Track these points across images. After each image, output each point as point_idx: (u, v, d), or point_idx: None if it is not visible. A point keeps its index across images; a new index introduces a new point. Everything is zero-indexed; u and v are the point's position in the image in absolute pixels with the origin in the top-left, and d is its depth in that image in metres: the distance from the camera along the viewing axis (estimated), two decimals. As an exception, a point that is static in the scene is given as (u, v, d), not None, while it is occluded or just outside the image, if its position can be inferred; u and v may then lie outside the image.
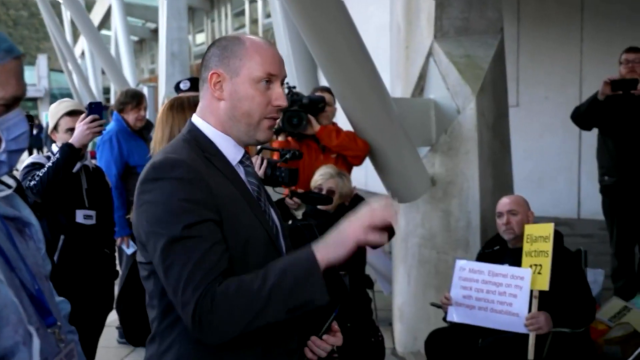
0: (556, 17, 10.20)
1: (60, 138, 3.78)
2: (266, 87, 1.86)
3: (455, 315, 3.91)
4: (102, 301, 3.91)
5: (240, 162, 1.93)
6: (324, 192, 4.28)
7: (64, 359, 1.42)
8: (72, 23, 27.63)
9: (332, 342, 1.96)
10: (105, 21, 31.44)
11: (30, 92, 40.13)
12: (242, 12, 22.03)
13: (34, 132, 25.79)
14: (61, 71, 38.07)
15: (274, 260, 1.73)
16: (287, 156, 3.65)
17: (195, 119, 1.93)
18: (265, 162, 3.43)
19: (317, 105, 4.71)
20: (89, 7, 35.19)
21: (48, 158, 3.71)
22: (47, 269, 1.58)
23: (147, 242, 1.75)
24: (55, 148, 3.79)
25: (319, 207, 4.29)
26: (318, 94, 4.88)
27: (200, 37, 27.23)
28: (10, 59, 1.38)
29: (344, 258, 1.71)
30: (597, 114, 5.33)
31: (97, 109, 3.62)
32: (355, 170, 5.03)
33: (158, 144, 2.61)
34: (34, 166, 3.65)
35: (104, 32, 34.04)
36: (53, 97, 40.41)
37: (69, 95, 35.97)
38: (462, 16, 4.96)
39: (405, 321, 5.22)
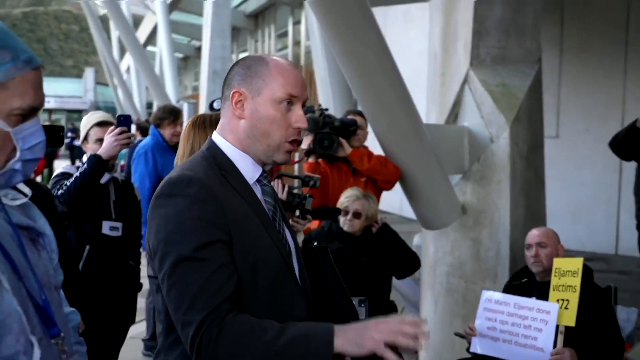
0: (599, 49, 10.09)
1: (90, 148, 3.83)
2: (287, 108, 1.87)
3: (478, 347, 3.85)
4: (125, 313, 3.93)
5: (258, 180, 1.93)
6: (349, 214, 4.27)
7: None
8: (120, 39, 28.18)
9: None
10: (152, 37, 31.98)
11: (76, 104, 40.93)
12: (285, 34, 22.22)
13: (77, 143, 26.22)
14: (107, 85, 38.79)
15: (294, 323, 1.72)
16: (311, 183, 3.66)
17: (215, 136, 1.94)
18: (286, 187, 3.45)
19: (349, 128, 4.71)
20: (137, 23, 35.89)
21: (78, 169, 3.76)
22: (58, 280, 1.59)
23: (154, 256, 1.77)
24: (85, 158, 3.85)
25: (345, 229, 4.28)
26: (350, 117, 4.88)
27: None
28: (29, 69, 1.40)
29: (356, 356, 1.69)
30: (634, 142, 5.23)
31: (125, 122, 3.66)
32: (390, 195, 5.01)
33: (180, 160, 2.64)
34: (63, 176, 3.70)
35: (150, 48, 34.65)
36: (98, 110, 41.18)
37: (114, 109, 36.64)
38: (499, 45, 4.93)
39: (431, 349, 5.15)
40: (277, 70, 1.87)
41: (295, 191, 3.93)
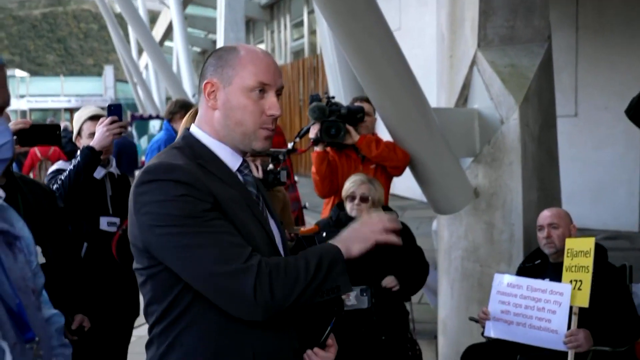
0: (616, 26, 9.94)
1: (83, 143, 3.76)
2: (260, 96, 1.86)
3: (492, 331, 3.82)
4: (127, 308, 3.90)
5: (239, 170, 1.92)
6: (357, 199, 4.23)
7: None
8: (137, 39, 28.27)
9: (322, 357, 1.92)
10: (169, 33, 32.05)
11: (97, 102, 41.14)
12: (301, 23, 22.17)
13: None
14: (127, 82, 39.01)
15: (306, 250, 1.82)
16: (280, 157, 3.71)
17: (193, 128, 1.93)
18: (259, 166, 3.52)
19: (356, 115, 4.67)
20: (154, 18, 35.99)
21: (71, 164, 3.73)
22: (37, 283, 1.58)
23: (157, 240, 1.74)
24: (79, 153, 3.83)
25: (353, 215, 4.24)
26: (357, 104, 4.84)
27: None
28: None
29: (362, 253, 1.84)
30: None
31: (116, 111, 3.59)
32: (411, 181, 4.96)
33: None
34: (58, 172, 3.65)
35: (168, 43, 34.74)
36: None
37: (134, 106, 36.82)
38: (507, 25, 4.85)
39: (448, 335, 5.13)
40: (247, 58, 1.86)
41: (270, 167, 4.00)
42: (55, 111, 38.96)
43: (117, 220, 3.77)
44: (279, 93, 1.91)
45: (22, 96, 40.66)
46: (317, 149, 4.62)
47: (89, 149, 3.49)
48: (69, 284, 3.02)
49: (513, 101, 4.63)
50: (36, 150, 11.97)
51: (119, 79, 44.31)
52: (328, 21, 4.22)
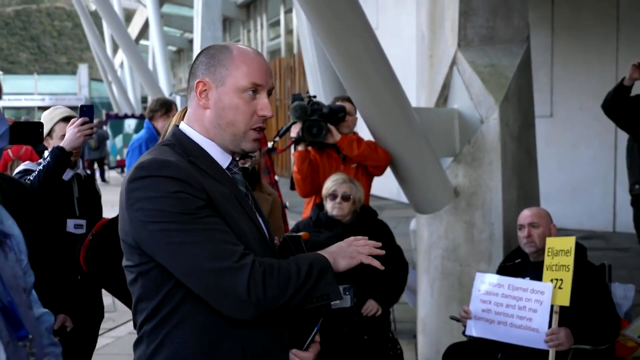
0: (591, 27, 10.04)
1: (53, 144, 3.68)
2: (252, 97, 1.86)
3: (474, 330, 3.84)
4: (92, 311, 3.81)
5: (228, 169, 1.92)
6: (338, 197, 4.23)
7: None
8: (112, 35, 28.07)
9: (302, 357, 1.93)
10: (145, 31, 31.86)
11: (71, 101, 40.78)
12: (278, 22, 22.14)
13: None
14: (101, 80, 38.72)
15: (295, 255, 1.85)
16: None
17: (183, 125, 1.92)
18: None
19: (338, 114, 4.67)
20: (129, 17, 35.75)
21: (40, 164, 3.61)
22: (28, 281, 1.56)
23: (149, 236, 1.73)
24: (47, 154, 3.75)
25: (334, 214, 4.23)
26: (339, 103, 4.84)
27: (237, 47, 27.45)
28: None
29: (344, 270, 1.88)
30: (623, 101, 5.21)
31: (87, 112, 3.53)
32: (387, 181, 4.97)
33: None
34: (26, 172, 3.57)
35: (143, 41, 34.53)
36: (94, 106, 41.06)
37: (109, 105, 36.53)
38: (487, 25, 4.88)
39: (428, 334, 5.14)
40: (240, 59, 1.85)
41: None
42: (29, 110, 38.55)
43: (83, 222, 3.68)
44: (269, 93, 1.91)
45: (-6, 94, 40.14)
46: (299, 148, 4.61)
47: (59, 150, 3.42)
48: (51, 283, 2.97)
49: (493, 101, 4.65)
50: (9, 151, 12.11)
51: (94, 77, 43.95)
52: (310, 19, 4.22)
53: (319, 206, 4.36)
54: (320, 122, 4.56)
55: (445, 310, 4.83)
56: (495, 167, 4.64)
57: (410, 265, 6.11)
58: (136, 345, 1.86)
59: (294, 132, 4.60)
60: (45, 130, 3.75)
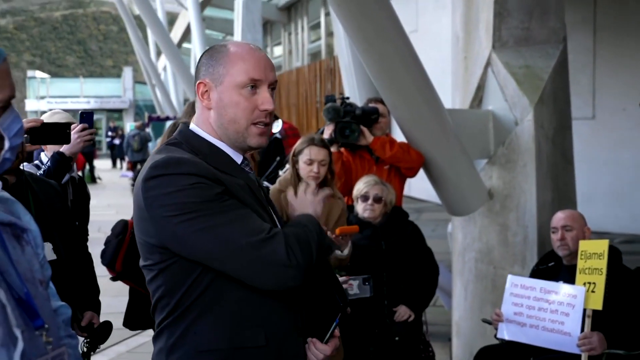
0: (634, 28, 9.87)
1: (50, 148, 3.74)
2: (252, 92, 1.86)
3: (506, 333, 3.80)
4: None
5: (240, 168, 1.93)
6: (370, 199, 4.24)
7: None
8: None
9: (319, 349, 1.92)
10: (187, 34, 32.20)
11: (116, 104, 41.46)
12: (318, 25, 22.20)
13: (117, 142, 26.58)
14: (145, 83, 39.25)
15: (291, 222, 1.93)
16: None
17: (192, 126, 1.94)
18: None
19: (371, 116, 4.68)
20: (173, 20, 36.18)
21: (37, 167, 3.69)
22: (45, 274, 1.60)
23: (176, 229, 1.74)
24: (43, 157, 3.78)
25: (366, 216, 4.24)
26: (372, 105, 4.85)
27: (278, 50, 27.58)
28: (1, 62, 1.41)
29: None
30: None
31: (87, 119, 3.55)
32: (426, 183, 4.96)
33: None
34: None
35: (186, 45, 34.91)
36: (138, 109, 41.62)
37: (152, 107, 37.01)
38: (522, 26, 4.84)
39: (462, 337, 5.12)
40: (236, 55, 1.86)
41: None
42: (75, 112, 39.25)
43: (75, 223, 3.65)
44: (272, 87, 1.90)
45: (42, 97, 41.03)
46: (332, 149, 4.62)
47: (59, 155, 3.46)
48: (79, 280, 3.04)
49: (527, 102, 4.62)
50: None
51: (138, 80, 44.59)
52: (341, 22, 4.24)
53: (350, 208, 4.38)
54: (353, 124, 4.57)
55: (479, 313, 4.80)
56: (529, 169, 4.60)
57: (447, 269, 6.10)
58: (156, 338, 1.88)
59: (327, 133, 4.62)
60: None
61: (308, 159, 3.79)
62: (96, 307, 3.25)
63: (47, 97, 40.77)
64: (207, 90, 1.88)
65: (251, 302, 1.80)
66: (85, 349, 3.06)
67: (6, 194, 1.57)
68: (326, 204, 3.55)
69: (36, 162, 3.79)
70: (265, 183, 5.37)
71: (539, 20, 4.87)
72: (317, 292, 1.96)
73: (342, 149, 4.69)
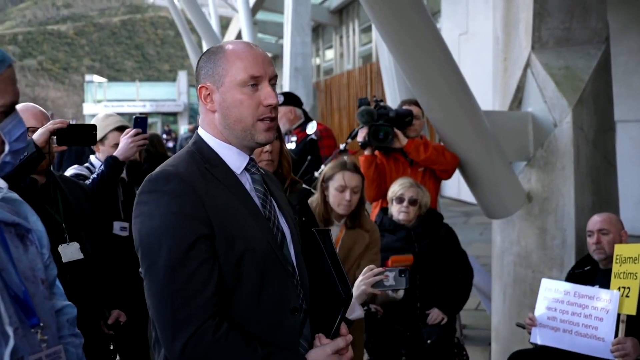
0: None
1: (104, 151, 3.84)
2: (254, 89, 1.87)
3: (539, 337, 3.76)
4: (137, 312, 3.78)
5: (247, 170, 1.94)
6: (405, 201, 4.23)
7: (45, 358, 1.48)
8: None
9: (333, 347, 1.88)
10: (240, 39, 32.57)
11: (171, 107, 42.03)
12: (369, 28, 22.15)
13: (170, 145, 27.01)
14: (200, 87, 39.57)
15: (272, 355, 1.77)
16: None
17: (200, 130, 1.97)
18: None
19: (404, 119, 4.66)
20: (226, 25, 36.58)
21: (88, 169, 3.78)
22: (49, 274, 1.65)
23: (136, 249, 1.80)
24: (93, 159, 3.88)
25: (400, 218, 4.24)
26: (406, 107, 4.83)
27: (329, 53, 27.63)
28: (5, 68, 1.45)
29: None
30: None
31: (141, 124, 3.63)
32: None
33: None
34: (78, 177, 3.67)
35: (239, 49, 35.15)
36: (192, 112, 42.15)
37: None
38: (562, 26, 4.76)
39: (501, 341, 5.05)
40: (233, 55, 1.88)
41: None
42: (131, 116, 40.01)
43: (127, 225, 3.78)
44: (273, 82, 1.91)
45: (99, 101, 41.93)
46: (366, 152, 4.63)
47: (113, 159, 3.54)
48: (106, 280, 3.11)
49: (566, 104, 4.54)
50: None
51: (192, 84, 45.19)
52: (375, 25, 4.23)
53: (384, 210, 4.37)
54: (387, 126, 4.56)
55: (517, 317, 4.73)
56: (568, 171, 4.52)
57: (486, 271, 6.04)
58: (155, 346, 1.91)
59: (361, 136, 4.62)
60: (99, 137, 3.83)
61: (340, 185, 3.53)
62: (123, 305, 3.31)
63: (104, 101, 41.61)
64: (209, 94, 1.90)
65: (241, 316, 1.81)
66: (112, 347, 3.13)
67: (14, 195, 1.63)
68: (349, 236, 3.49)
69: (86, 165, 3.89)
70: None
71: (580, 20, 4.78)
72: (318, 285, 1.95)
73: (376, 152, 4.69)
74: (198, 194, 1.80)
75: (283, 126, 5.61)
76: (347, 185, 3.52)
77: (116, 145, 3.74)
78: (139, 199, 1.83)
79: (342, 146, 4.96)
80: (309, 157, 5.44)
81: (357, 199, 3.56)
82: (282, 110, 5.56)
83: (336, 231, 3.48)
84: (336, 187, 3.53)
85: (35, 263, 1.58)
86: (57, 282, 1.72)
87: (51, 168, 3.07)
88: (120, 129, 3.85)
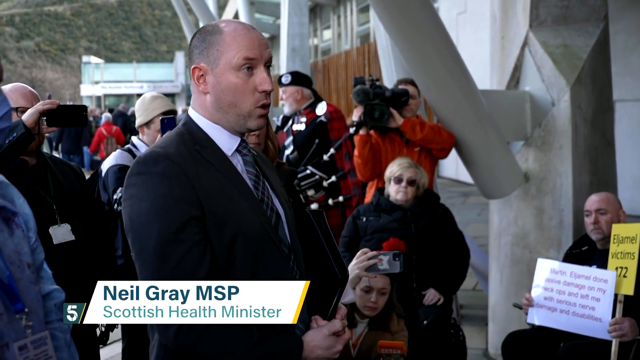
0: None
1: (148, 134, 3.76)
2: (249, 73, 1.82)
3: (536, 318, 3.74)
4: None
5: (238, 151, 1.90)
6: (404, 182, 4.20)
7: (30, 345, 1.45)
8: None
9: (330, 329, 1.85)
10: (238, 18, 32.35)
11: (168, 88, 41.86)
12: (367, 8, 22.01)
13: (169, 126, 26.87)
14: (198, 68, 39.41)
15: (268, 337, 1.74)
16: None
17: (191, 111, 1.92)
18: None
19: (401, 98, 4.61)
20: (223, 5, 36.35)
21: (129, 151, 3.69)
22: (36, 258, 1.62)
23: (126, 233, 1.76)
24: (136, 140, 3.82)
25: (398, 198, 4.21)
26: (402, 86, 4.77)
27: (327, 33, 27.46)
28: None
29: None
30: None
31: (169, 125, 3.34)
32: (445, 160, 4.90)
33: None
34: (122, 172, 3.50)
35: (237, 29, 34.98)
36: (190, 93, 42.07)
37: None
38: (560, 4, 4.70)
39: (497, 321, 5.05)
40: (230, 36, 1.82)
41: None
42: (128, 97, 39.91)
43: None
44: (268, 65, 1.86)
45: (96, 82, 41.75)
46: (361, 132, 4.58)
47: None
48: (98, 262, 3.08)
49: (564, 82, 4.49)
50: (102, 129, 15.09)
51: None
52: (371, 2, 4.18)
53: (380, 190, 4.34)
54: (382, 106, 4.51)
55: (514, 298, 4.72)
56: (565, 151, 4.49)
57: (483, 252, 6.02)
58: (149, 332, 1.89)
59: (356, 116, 4.57)
60: (143, 119, 3.80)
61: (366, 286, 3.34)
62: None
63: (102, 82, 41.45)
64: (202, 75, 1.85)
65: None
66: (103, 329, 3.11)
67: (0, 177, 1.59)
68: (371, 336, 3.36)
69: (128, 146, 3.80)
70: (310, 168, 5.36)
71: (579, -2, 4.72)
72: (314, 267, 1.91)
73: (372, 132, 4.64)
74: (188, 175, 1.75)
75: (290, 106, 5.48)
76: (372, 286, 3.36)
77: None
78: (128, 182, 1.79)
79: (352, 130, 4.85)
80: (316, 140, 5.36)
81: (384, 301, 3.40)
82: (288, 90, 5.43)
83: (359, 330, 3.37)
84: (362, 287, 3.36)
85: (21, 247, 1.54)
86: (45, 266, 1.69)
87: (42, 149, 3.03)
88: (167, 113, 3.72)
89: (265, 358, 1.71)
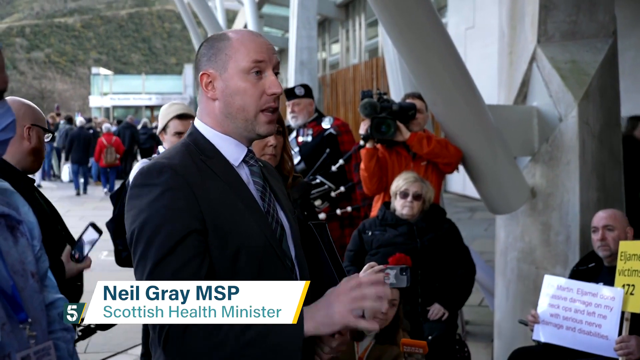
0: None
1: (167, 140, 3.78)
2: (258, 77, 1.82)
3: (542, 334, 3.71)
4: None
5: (245, 162, 1.88)
6: (409, 196, 4.18)
7: (33, 356, 1.43)
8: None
9: (330, 344, 1.83)
10: (247, 32, 32.39)
11: (177, 100, 42.11)
12: (376, 22, 22.06)
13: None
14: (206, 81, 39.52)
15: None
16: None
17: (196, 122, 1.90)
18: None
19: (408, 112, 4.60)
20: (233, 18, 36.52)
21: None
22: (40, 267, 1.60)
23: (129, 246, 1.74)
24: (161, 149, 3.82)
25: (404, 213, 4.19)
26: (409, 100, 4.77)
27: (336, 47, 27.53)
28: None
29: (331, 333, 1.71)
30: None
31: None
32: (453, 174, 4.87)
33: None
34: None
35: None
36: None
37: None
38: (569, 20, 4.69)
39: (503, 338, 5.01)
40: (238, 41, 1.82)
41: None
42: (137, 109, 40.05)
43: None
44: (276, 71, 1.86)
45: (105, 94, 41.90)
46: (367, 145, 4.57)
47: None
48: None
49: (572, 98, 4.48)
50: (103, 139, 15.95)
51: (199, 77, 45.00)
52: (378, 15, 4.18)
53: (386, 204, 4.33)
54: (389, 119, 4.50)
55: (520, 314, 4.69)
56: (573, 167, 4.46)
57: (490, 268, 5.98)
58: (151, 347, 1.85)
59: (363, 129, 4.56)
60: (160, 125, 3.83)
61: None
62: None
63: (110, 94, 41.59)
64: (211, 81, 1.84)
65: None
66: (79, 334, 3.06)
67: (6, 184, 1.58)
68: (377, 349, 3.33)
69: (154, 155, 3.79)
70: (320, 178, 5.35)
71: (587, 14, 4.71)
72: (317, 279, 1.89)
73: (378, 145, 4.63)
74: (191, 187, 1.74)
75: (302, 119, 5.48)
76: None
77: (177, 133, 3.66)
78: (131, 193, 1.77)
79: (361, 142, 4.84)
80: (327, 150, 5.35)
81: (393, 313, 3.36)
82: (302, 102, 5.44)
83: (366, 343, 3.35)
84: None
85: (25, 256, 1.53)
86: (50, 275, 1.67)
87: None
88: (181, 117, 3.75)
89: (257, 337, 1.63)
